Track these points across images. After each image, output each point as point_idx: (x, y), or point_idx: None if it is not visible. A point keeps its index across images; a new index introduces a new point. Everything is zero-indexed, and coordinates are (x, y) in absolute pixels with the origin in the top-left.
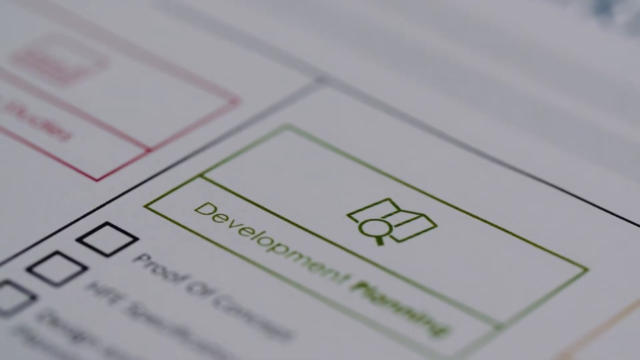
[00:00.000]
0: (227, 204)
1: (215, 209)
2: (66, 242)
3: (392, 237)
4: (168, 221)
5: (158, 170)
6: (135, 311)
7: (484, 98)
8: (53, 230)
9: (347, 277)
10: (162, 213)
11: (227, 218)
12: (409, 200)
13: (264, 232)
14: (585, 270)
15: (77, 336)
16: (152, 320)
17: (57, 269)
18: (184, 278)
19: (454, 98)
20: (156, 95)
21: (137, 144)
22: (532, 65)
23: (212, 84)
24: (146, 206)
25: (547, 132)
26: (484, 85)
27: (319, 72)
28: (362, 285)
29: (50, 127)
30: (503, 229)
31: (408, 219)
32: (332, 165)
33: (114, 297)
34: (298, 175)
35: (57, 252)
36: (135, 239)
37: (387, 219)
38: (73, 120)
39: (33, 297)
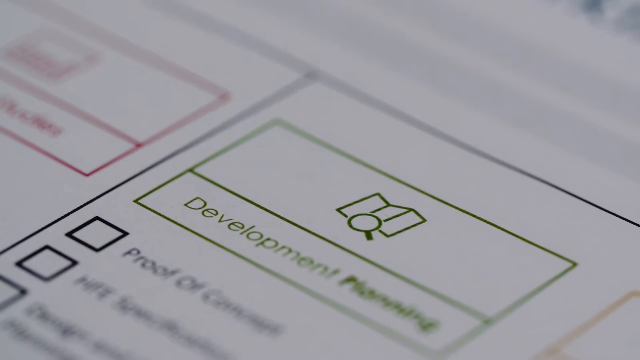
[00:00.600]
0: (216, 199)
1: (205, 203)
2: (56, 236)
3: (381, 231)
4: (157, 216)
5: (148, 165)
6: (124, 305)
7: (473, 93)
8: (43, 225)
9: (336, 272)
10: (152, 208)
11: (217, 213)
12: (398, 195)
13: (253, 226)
14: (574, 265)
15: (67, 330)
16: (142, 314)
17: (46, 263)
18: (173, 272)
19: (443, 93)
20: (146, 90)
21: (127, 139)
22: (521, 61)
23: (202, 79)
24: (136, 201)
25: (535, 127)
26: (472, 81)
27: (309, 68)
28: (351, 279)
29: (40, 122)
30: (492, 224)
31: (397, 213)
32: (321, 160)
33: (104, 291)
34: (287, 170)
35: (46, 247)
36: (124, 233)
37: (376, 214)
38: (63, 115)
39: (23, 292)
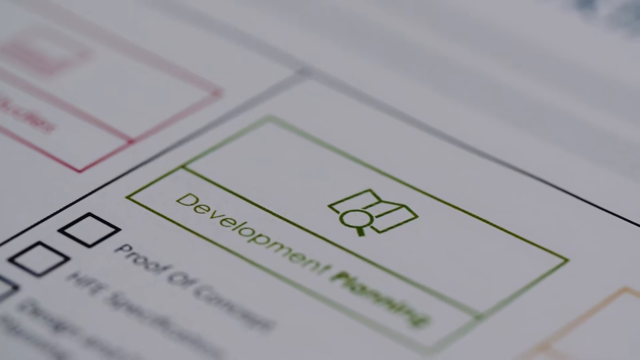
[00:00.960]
0: (208, 195)
1: (197, 200)
2: (48, 232)
3: (372, 227)
4: (150, 212)
5: (140, 162)
6: (116, 301)
7: (464, 89)
8: (35, 221)
9: (327, 268)
10: (144, 204)
11: (209, 209)
12: (390, 191)
13: (245, 222)
14: (566, 261)
15: (59, 326)
16: (133, 310)
17: (39, 259)
18: (165, 268)
19: (436, 90)
20: (139, 86)
21: (120, 135)
22: (513, 57)
23: (194, 76)
24: (128, 197)
25: (527, 123)
26: (471, 81)
27: (302, 64)
28: (342, 275)
29: (33, 119)
30: (483, 220)
31: (389, 209)
32: (313, 157)
33: (96, 287)
34: (280, 166)
35: (39, 243)
36: (117, 229)
37: (368, 210)
38: (56, 111)
39: (15, 287)
